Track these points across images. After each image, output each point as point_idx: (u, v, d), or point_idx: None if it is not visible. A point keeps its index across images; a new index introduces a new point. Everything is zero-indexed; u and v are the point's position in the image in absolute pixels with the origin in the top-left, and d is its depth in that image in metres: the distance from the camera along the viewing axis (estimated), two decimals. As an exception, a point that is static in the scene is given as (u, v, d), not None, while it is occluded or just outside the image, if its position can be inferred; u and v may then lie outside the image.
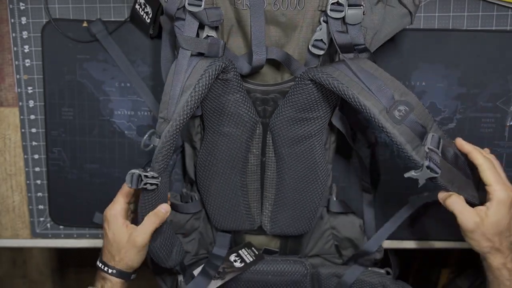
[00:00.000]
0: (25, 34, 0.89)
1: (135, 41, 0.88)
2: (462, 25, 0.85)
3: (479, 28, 0.85)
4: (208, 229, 0.90)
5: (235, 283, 0.88)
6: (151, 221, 0.75)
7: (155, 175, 0.71)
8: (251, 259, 0.86)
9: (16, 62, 0.90)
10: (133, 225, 0.76)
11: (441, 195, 0.74)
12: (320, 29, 0.74)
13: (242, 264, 0.86)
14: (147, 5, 0.82)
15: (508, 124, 0.87)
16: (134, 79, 0.88)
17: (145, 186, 0.71)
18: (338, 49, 0.71)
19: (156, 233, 0.76)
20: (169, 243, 0.80)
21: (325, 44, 0.74)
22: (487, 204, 0.71)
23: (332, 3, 0.71)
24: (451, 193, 0.72)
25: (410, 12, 0.74)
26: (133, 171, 0.70)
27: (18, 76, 0.91)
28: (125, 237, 0.75)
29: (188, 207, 0.87)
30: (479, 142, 0.87)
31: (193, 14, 0.71)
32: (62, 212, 0.95)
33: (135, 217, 0.79)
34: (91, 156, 0.92)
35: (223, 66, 0.70)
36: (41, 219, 0.97)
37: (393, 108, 0.67)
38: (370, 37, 0.74)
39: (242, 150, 0.80)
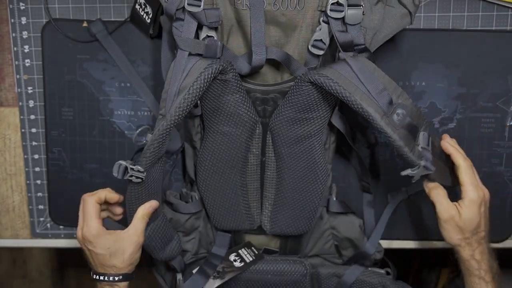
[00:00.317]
0: (25, 34, 0.89)
1: (135, 41, 0.88)
2: (462, 25, 0.85)
3: (479, 28, 0.85)
4: (208, 229, 0.90)
5: (234, 282, 0.88)
6: (139, 219, 0.76)
7: (141, 169, 0.72)
8: (251, 259, 0.86)
9: (16, 62, 0.90)
10: (118, 231, 0.77)
11: (429, 185, 0.79)
12: (320, 29, 0.74)
13: (242, 264, 0.86)
14: (147, 5, 0.82)
15: (508, 124, 0.87)
16: (134, 79, 0.88)
17: (130, 178, 0.72)
18: (340, 48, 0.71)
19: (149, 223, 0.78)
20: (163, 235, 0.81)
21: (324, 44, 0.74)
22: (460, 202, 0.77)
23: (332, 3, 0.71)
24: (436, 184, 0.78)
25: (410, 12, 0.74)
26: (120, 162, 0.72)
27: (18, 76, 0.91)
28: (123, 243, 0.75)
29: (188, 207, 0.87)
30: (479, 142, 0.87)
31: (192, 14, 0.71)
32: (62, 212, 0.95)
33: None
34: (91, 156, 0.92)
35: (220, 68, 0.70)
36: (41, 219, 0.97)
37: (392, 112, 0.69)
38: (369, 37, 0.74)
39: (242, 149, 0.80)
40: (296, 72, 0.76)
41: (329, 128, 0.82)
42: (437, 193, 0.77)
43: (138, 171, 0.72)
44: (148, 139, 0.71)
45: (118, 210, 0.80)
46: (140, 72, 0.89)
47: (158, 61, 0.83)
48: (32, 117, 0.92)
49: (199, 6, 0.71)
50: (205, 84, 0.68)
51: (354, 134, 0.85)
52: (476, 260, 0.77)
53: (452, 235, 0.78)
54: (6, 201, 0.96)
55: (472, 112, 0.87)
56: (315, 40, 0.74)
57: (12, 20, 0.88)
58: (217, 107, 0.76)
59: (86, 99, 0.90)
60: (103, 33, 0.87)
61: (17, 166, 0.95)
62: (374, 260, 0.88)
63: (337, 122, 0.79)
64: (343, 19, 0.72)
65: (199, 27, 0.73)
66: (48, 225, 0.97)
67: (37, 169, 0.94)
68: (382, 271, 0.89)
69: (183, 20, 0.72)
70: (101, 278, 0.76)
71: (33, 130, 0.93)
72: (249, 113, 0.77)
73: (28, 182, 0.95)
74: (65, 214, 0.95)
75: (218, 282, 0.84)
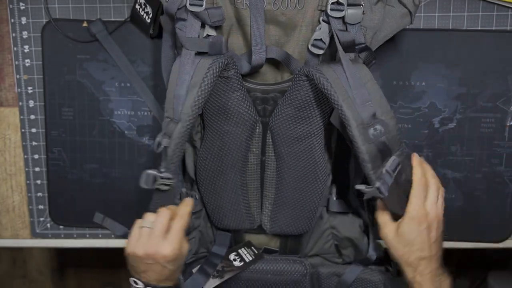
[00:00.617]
0: (25, 34, 0.89)
1: (135, 41, 0.88)
2: (462, 25, 0.85)
3: (479, 28, 0.85)
4: (208, 228, 0.90)
5: (234, 282, 0.88)
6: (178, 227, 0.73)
7: (170, 176, 0.71)
8: (251, 258, 0.86)
9: (16, 62, 0.90)
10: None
11: (378, 204, 0.77)
12: (320, 29, 0.74)
13: (242, 263, 0.86)
14: (147, 5, 0.82)
15: (508, 124, 0.87)
16: (134, 79, 0.88)
17: (158, 187, 0.71)
18: (341, 48, 0.71)
19: None
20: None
21: (324, 43, 0.74)
22: (402, 218, 0.74)
23: (332, 3, 0.71)
24: (385, 207, 0.76)
25: (410, 12, 0.74)
26: (148, 171, 0.71)
27: (18, 76, 0.91)
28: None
29: (188, 207, 0.87)
30: (479, 142, 0.87)
31: (194, 14, 0.71)
32: (62, 212, 0.95)
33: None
34: (91, 156, 0.92)
35: (225, 62, 0.70)
36: (41, 219, 0.97)
37: (370, 126, 0.68)
38: (369, 36, 0.74)
39: (242, 149, 0.80)
40: (296, 71, 0.76)
41: (329, 127, 0.82)
42: (382, 213, 0.76)
43: (168, 178, 0.71)
44: (165, 144, 0.70)
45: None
46: (140, 72, 0.89)
47: (158, 61, 0.83)
48: (32, 117, 0.92)
49: (201, 5, 0.71)
50: (215, 78, 0.69)
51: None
52: (418, 283, 0.74)
53: (392, 252, 0.75)
54: (6, 201, 0.96)
55: (472, 112, 0.87)
56: (315, 39, 0.74)
57: (12, 20, 0.88)
58: (218, 106, 0.76)
59: (86, 99, 0.90)
60: (103, 33, 0.87)
61: (17, 166, 0.95)
62: (374, 259, 0.88)
63: (336, 121, 0.79)
64: (343, 18, 0.72)
65: (201, 26, 0.73)
66: (48, 225, 0.97)
67: (37, 169, 0.94)
68: (382, 268, 0.89)
69: (185, 20, 0.72)
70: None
71: (33, 130, 0.93)
72: (249, 112, 0.77)
73: (28, 182, 0.95)
74: (65, 214, 0.95)
75: (217, 281, 0.84)
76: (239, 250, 0.88)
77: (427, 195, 0.74)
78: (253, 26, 0.72)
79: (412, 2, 0.74)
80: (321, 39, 0.74)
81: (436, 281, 0.74)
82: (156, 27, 0.84)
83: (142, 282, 0.73)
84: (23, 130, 0.93)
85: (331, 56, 0.77)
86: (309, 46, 0.75)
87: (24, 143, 0.93)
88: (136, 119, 0.90)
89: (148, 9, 0.83)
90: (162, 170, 0.71)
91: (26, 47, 0.89)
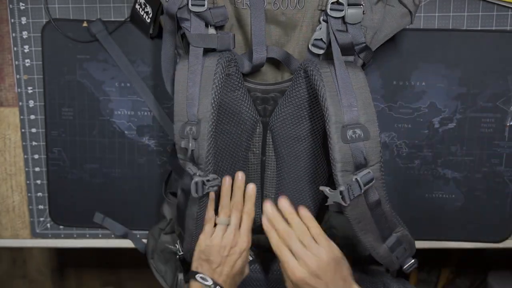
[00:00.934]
0: (25, 34, 0.89)
1: (135, 41, 0.88)
2: (462, 25, 0.85)
3: (479, 28, 0.85)
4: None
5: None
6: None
7: (215, 176, 0.71)
8: (251, 258, 0.86)
9: (16, 62, 0.90)
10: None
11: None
12: (320, 29, 0.74)
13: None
14: (147, 4, 0.82)
15: (508, 124, 0.87)
16: (134, 79, 0.88)
17: (208, 191, 0.71)
18: (336, 49, 0.71)
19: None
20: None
21: (324, 43, 0.74)
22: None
23: (332, 3, 0.71)
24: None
25: (410, 12, 0.74)
26: (196, 180, 0.69)
27: (18, 76, 0.91)
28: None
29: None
30: (479, 142, 0.87)
31: (197, 14, 0.71)
32: (62, 212, 0.95)
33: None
34: (91, 156, 0.92)
35: (230, 57, 0.71)
36: (41, 219, 0.97)
37: (349, 128, 0.67)
38: (370, 36, 0.74)
39: (242, 149, 0.80)
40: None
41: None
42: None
43: (214, 179, 0.71)
44: (193, 147, 0.69)
45: None
46: (140, 72, 0.89)
47: (158, 61, 0.83)
48: (32, 117, 0.92)
49: (203, 5, 0.71)
50: (225, 73, 0.69)
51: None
52: None
53: None
54: (6, 201, 0.96)
55: (472, 112, 0.87)
56: (315, 39, 0.74)
57: (12, 20, 0.88)
58: (219, 105, 0.76)
59: (86, 99, 0.90)
60: (103, 33, 0.87)
61: (17, 166, 0.95)
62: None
63: None
64: (343, 18, 0.72)
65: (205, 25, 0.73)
66: (48, 225, 0.97)
67: (37, 169, 0.94)
68: (382, 268, 0.89)
69: (188, 20, 0.72)
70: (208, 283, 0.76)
71: (33, 130, 0.93)
72: (249, 111, 0.77)
73: (28, 182, 0.95)
74: (65, 214, 0.95)
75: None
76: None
77: (294, 249, 0.72)
78: (254, 26, 0.72)
79: (412, 2, 0.74)
80: (321, 39, 0.74)
81: None
82: (156, 27, 0.84)
83: (211, 279, 0.76)
84: (23, 130, 0.93)
85: (329, 55, 0.77)
86: (309, 46, 0.75)
87: (24, 143, 0.93)
88: (136, 119, 0.90)
89: (148, 9, 0.83)
90: (200, 173, 0.70)
91: (26, 47, 0.89)
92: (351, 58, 0.73)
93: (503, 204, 0.90)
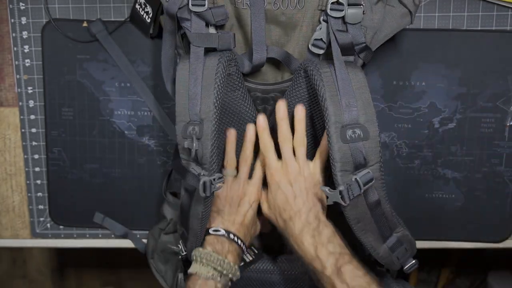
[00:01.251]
0: (25, 34, 0.89)
1: (135, 41, 0.88)
2: (462, 25, 0.85)
3: (479, 28, 0.85)
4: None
5: (234, 281, 0.88)
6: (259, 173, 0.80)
7: (220, 175, 0.71)
8: (251, 258, 0.86)
9: (16, 62, 0.90)
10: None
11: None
12: (320, 28, 0.74)
13: (242, 263, 0.86)
14: (147, 4, 0.82)
15: (508, 124, 0.87)
16: (134, 79, 0.88)
17: (215, 189, 0.70)
18: (336, 49, 0.71)
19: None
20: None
21: (325, 43, 0.74)
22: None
23: (332, 2, 0.71)
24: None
25: (410, 12, 0.74)
26: (203, 179, 0.69)
27: (18, 76, 0.91)
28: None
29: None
30: (479, 142, 0.87)
31: (197, 14, 0.71)
32: (62, 212, 0.95)
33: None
34: (91, 156, 0.92)
35: (231, 57, 0.71)
36: (41, 219, 0.97)
37: (349, 128, 0.67)
38: (370, 36, 0.74)
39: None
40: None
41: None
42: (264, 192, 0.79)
43: (219, 178, 0.70)
44: (197, 147, 0.68)
45: None
46: (140, 72, 0.89)
47: (158, 61, 0.83)
48: (32, 117, 0.92)
49: (204, 5, 0.71)
50: (226, 72, 0.69)
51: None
52: (296, 243, 0.75)
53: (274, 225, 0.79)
54: (6, 201, 0.96)
55: (472, 112, 0.87)
56: (315, 39, 0.74)
57: (12, 20, 0.88)
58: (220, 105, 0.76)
59: (86, 99, 0.90)
60: (103, 33, 0.87)
61: (17, 166, 0.95)
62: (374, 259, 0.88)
63: None
64: (343, 18, 0.72)
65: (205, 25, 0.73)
66: (48, 225, 0.97)
67: (37, 169, 0.94)
68: (382, 268, 0.89)
69: (188, 19, 0.72)
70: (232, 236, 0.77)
71: (33, 130, 0.93)
72: (249, 111, 0.77)
73: (28, 182, 0.95)
74: (65, 214, 0.95)
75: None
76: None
77: (283, 151, 0.76)
78: (254, 26, 0.72)
79: (412, 2, 0.74)
80: (321, 39, 0.74)
81: (314, 235, 0.73)
82: (156, 27, 0.84)
83: (223, 228, 0.77)
84: (23, 130, 0.93)
85: (331, 56, 0.77)
86: (310, 46, 0.75)
87: (24, 143, 0.93)
88: (136, 119, 0.90)
89: (148, 8, 0.83)
90: (205, 173, 0.70)
91: (26, 47, 0.89)
92: (351, 58, 0.73)
93: (503, 204, 0.90)
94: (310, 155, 0.80)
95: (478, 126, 0.87)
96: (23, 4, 0.88)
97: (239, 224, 0.78)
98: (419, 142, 0.88)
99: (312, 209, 0.74)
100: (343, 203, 0.67)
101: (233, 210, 0.79)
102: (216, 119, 0.68)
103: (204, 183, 0.69)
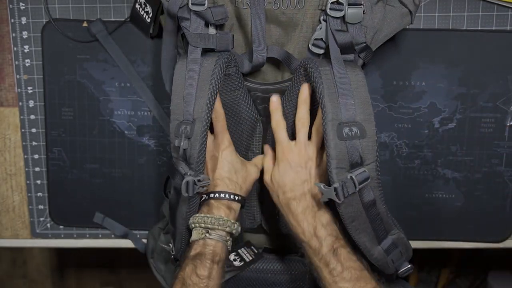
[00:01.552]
0: (25, 34, 0.89)
1: (135, 41, 0.88)
2: (462, 25, 0.85)
3: (479, 28, 0.85)
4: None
5: (234, 282, 0.88)
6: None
7: (206, 177, 0.71)
8: (251, 258, 0.86)
9: (16, 62, 0.90)
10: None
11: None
12: (320, 28, 0.74)
13: (242, 263, 0.86)
14: (147, 4, 0.82)
15: (508, 124, 0.87)
16: (134, 79, 0.88)
17: (198, 190, 0.71)
18: (334, 48, 0.71)
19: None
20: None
21: (325, 43, 0.74)
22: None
23: (332, 2, 0.71)
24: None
25: (410, 12, 0.74)
26: (186, 179, 0.69)
27: (18, 76, 0.91)
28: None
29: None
30: (479, 142, 0.87)
31: (197, 13, 0.71)
32: (62, 212, 0.95)
33: None
34: (91, 156, 0.92)
35: (229, 58, 0.71)
36: (41, 219, 0.97)
37: (346, 125, 0.67)
38: (370, 36, 0.74)
39: (243, 148, 0.80)
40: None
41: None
42: (268, 159, 0.78)
43: (205, 179, 0.70)
44: (185, 146, 0.69)
45: None
46: (140, 72, 0.89)
47: (158, 61, 0.83)
48: (32, 117, 0.92)
49: (203, 4, 0.71)
50: (223, 73, 0.69)
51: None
52: (293, 225, 0.75)
53: (272, 198, 0.78)
54: (6, 201, 0.96)
55: (472, 112, 0.87)
56: (316, 39, 0.74)
57: (12, 20, 0.88)
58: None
59: (86, 99, 0.90)
60: (103, 33, 0.87)
61: (17, 166, 0.95)
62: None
63: None
64: (343, 18, 0.72)
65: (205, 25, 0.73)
66: (48, 225, 0.97)
67: (37, 169, 0.94)
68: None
69: (188, 19, 0.72)
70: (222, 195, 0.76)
71: (33, 130, 0.93)
72: (249, 111, 0.78)
73: (28, 182, 0.95)
74: (65, 214, 0.95)
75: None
76: (239, 250, 0.88)
77: (298, 135, 0.75)
78: (254, 26, 0.73)
79: (412, 2, 0.74)
80: (321, 39, 0.74)
81: (315, 216, 0.73)
82: (156, 27, 0.84)
83: (226, 191, 0.76)
84: (23, 130, 0.93)
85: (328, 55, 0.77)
86: (310, 46, 0.75)
87: (24, 143, 0.93)
88: (136, 119, 0.90)
89: (148, 8, 0.83)
90: (191, 173, 0.70)
91: (26, 47, 0.89)
92: (351, 57, 0.73)
93: (503, 204, 0.90)
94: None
95: (478, 126, 0.87)
96: (23, 4, 0.88)
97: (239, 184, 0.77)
98: (419, 142, 0.88)
99: (317, 194, 0.74)
100: (337, 200, 0.67)
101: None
102: (208, 120, 0.68)
103: (187, 182, 0.70)
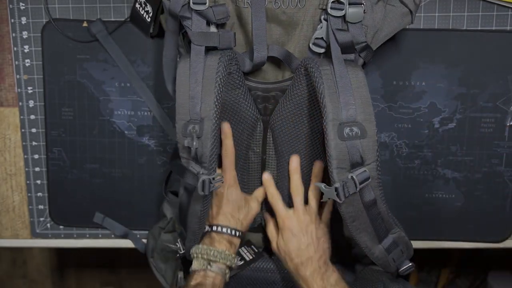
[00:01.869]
0: (25, 34, 0.89)
1: (135, 41, 0.88)
2: (462, 25, 0.85)
3: (479, 28, 0.85)
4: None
5: (235, 281, 0.88)
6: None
7: (219, 174, 0.71)
8: (251, 257, 0.87)
9: (16, 62, 0.90)
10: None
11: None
12: (321, 27, 0.74)
13: (242, 262, 0.86)
14: (147, 4, 0.82)
15: (508, 124, 0.87)
16: (134, 79, 0.88)
17: (213, 189, 0.71)
18: (335, 48, 0.71)
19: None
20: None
21: (325, 42, 0.74)
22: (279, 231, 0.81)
23: (333, 1, 0.71)
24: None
25: (411, 11, 0.74)
26: (202, 178, 0.70)
27: (18, 76, 0.91)
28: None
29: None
30: (479, 142, 0.87)
31: (198, 13, 0.71)
32: (62, 212, 0.95)
33: None
34: (91, 156, 0.92)
35: (231, 55, 0.71)
36: (41, 219, 0.97)
37: (347, 125, 0.67)
38: (370, 36, 0.74)
39: (243, 147, 0.80)
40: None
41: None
42: (270, 226, 0.82)
43: (218, 177, 0.71)
44: (197, 146, 0.69)
45: None
46: (140, 72, 0.89)
47: (158, 61, 0.83)
48: (32, 117, 0.92)
49: (205, 3, 0.71)
50: (227, 71, 0.69)
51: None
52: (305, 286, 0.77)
53: (284, 266, 0.81)
54: (6, 201, 0.96)
55: (472, 112, 0.87)
56: (316, 38, 0.75)
57: (12, 20, 0.88)
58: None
59: (86, 99, 0.90)
60: (103, 33, 0.87)
61: (17, 166, 0.95)
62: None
63: None
64: (344, 17, 0.72)
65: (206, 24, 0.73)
66: (48, 225, 0.97)
67: (37, 169, 0.94)
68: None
69: (190, 18, 0.72)
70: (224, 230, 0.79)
71: (33, 130, 0.93)
72: (250, 110, 0.78)
73: (28, 182, 0.95)
74: (65, 214, 0.95)
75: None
76: (239, 249, 0.88)
77: (295, 203, 0.79)
78: (254, 25, 0.73)
79: (412, 2, 0.74)
80: (322, 38, 0.74)
81: (323, 278, 0.75)
82: (156, 26, 0.84)
83: (228, 226, 0.79)
84: (23, 130, 0.93)
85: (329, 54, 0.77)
86: (310, 45, 0.75)
87: (24, 143, 0.93)
88: (136, 119, 0.90)
89: (148, 8, 0.83)
90: (204, 171, 0.70)
91: (26, 47, 0.89)
92: (351, 56, 0.73)
93: (503, 204, 0.90)
94: (308, 159, 0.80)
95: (478, 126, 0.87)
96: (23, 4, 0.88)
97: (240, 220, 0.80)
98: (419, 142, 0.88)
99: (322, 256, 0.77)
100: (338, 200, 0.68)
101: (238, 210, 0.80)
102: (216, 118, 0.68)
103: (203, 181, 0.70)
